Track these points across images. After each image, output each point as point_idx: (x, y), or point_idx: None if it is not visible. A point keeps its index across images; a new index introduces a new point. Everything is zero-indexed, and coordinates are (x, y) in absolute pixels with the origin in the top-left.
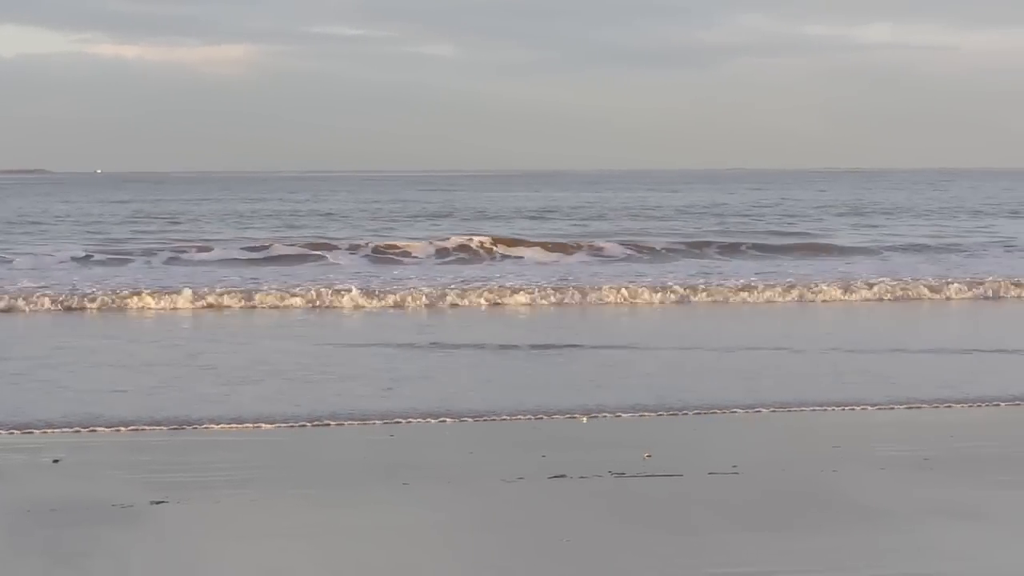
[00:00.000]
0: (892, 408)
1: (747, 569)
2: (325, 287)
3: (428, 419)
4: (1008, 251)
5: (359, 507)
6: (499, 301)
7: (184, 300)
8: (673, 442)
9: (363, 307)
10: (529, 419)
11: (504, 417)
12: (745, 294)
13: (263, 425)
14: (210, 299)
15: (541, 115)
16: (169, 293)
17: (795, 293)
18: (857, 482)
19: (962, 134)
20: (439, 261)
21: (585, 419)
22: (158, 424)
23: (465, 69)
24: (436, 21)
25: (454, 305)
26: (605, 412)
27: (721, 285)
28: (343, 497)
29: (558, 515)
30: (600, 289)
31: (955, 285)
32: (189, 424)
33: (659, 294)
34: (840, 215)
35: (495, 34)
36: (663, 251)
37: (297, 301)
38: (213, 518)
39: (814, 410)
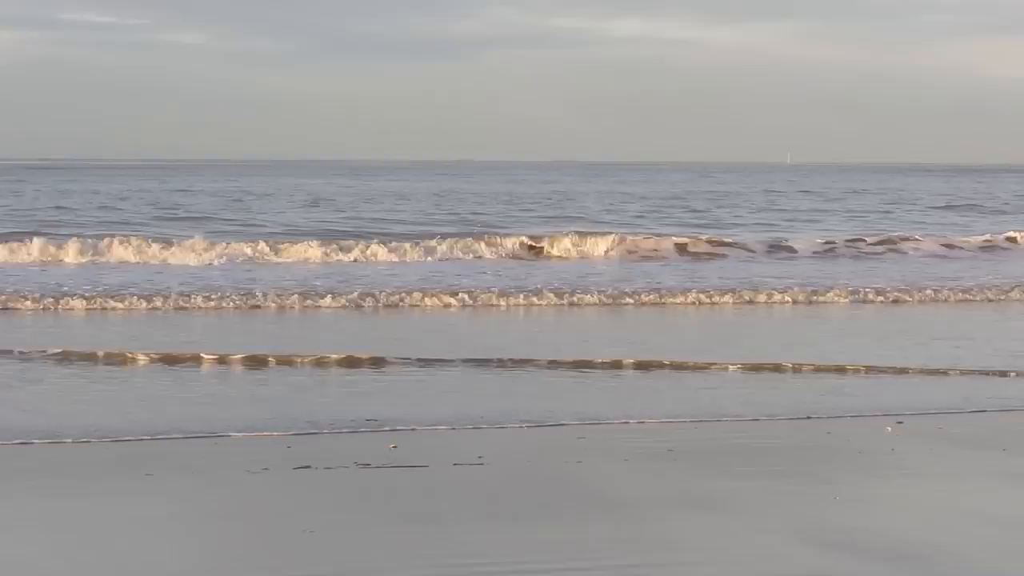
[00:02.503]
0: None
1: (491, 559)
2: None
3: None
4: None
5: (101, 497)
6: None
7: None
8: (419, 434)
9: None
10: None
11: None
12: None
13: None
14: None
15: (296, 104)
16: None
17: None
18: (601, 473)
19: (711, 128)
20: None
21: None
22: None
23: (219, 58)
24: (189, 9)
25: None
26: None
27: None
28: (84, 488)
29: (302, 506)
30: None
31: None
32: None
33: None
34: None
35: (250, 23)
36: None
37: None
38: None
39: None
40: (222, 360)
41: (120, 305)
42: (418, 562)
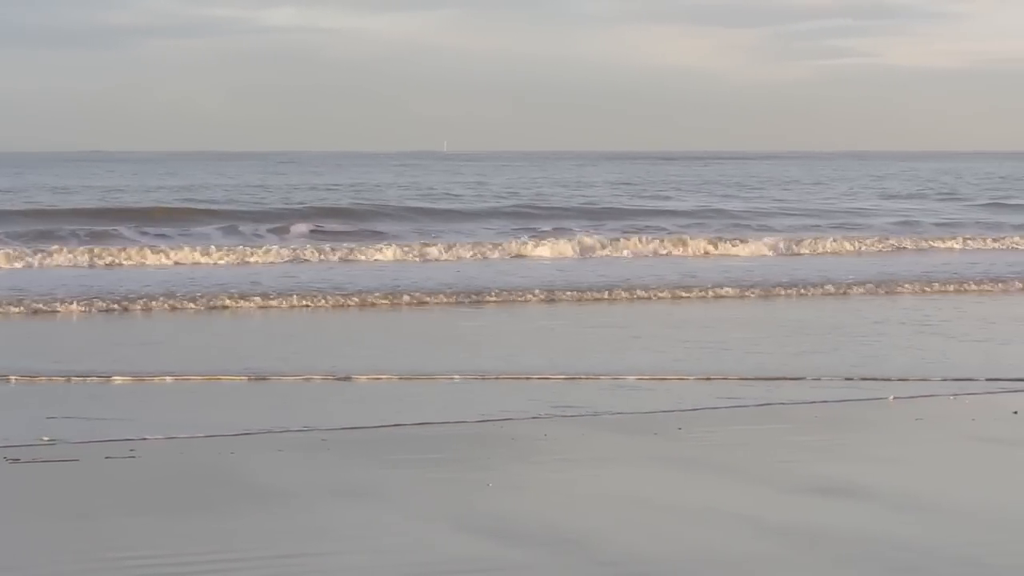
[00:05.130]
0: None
1: (142, 552)
2: None
3: None
4: None
5: None
6: None
7: None
8: (70, 427)
9: None
10: None
11: None
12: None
13: None
14: None
15: None
16: None
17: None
18: (255, 464)
19: (367, 117)
20: None
21: None
22: None
23: None
24: None
25: None
26: None
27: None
28: None
29: None
30: None
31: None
32: None
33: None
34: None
35: None
36: None
37: None
38: None
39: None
40: None
41: None
42: (68, 557)
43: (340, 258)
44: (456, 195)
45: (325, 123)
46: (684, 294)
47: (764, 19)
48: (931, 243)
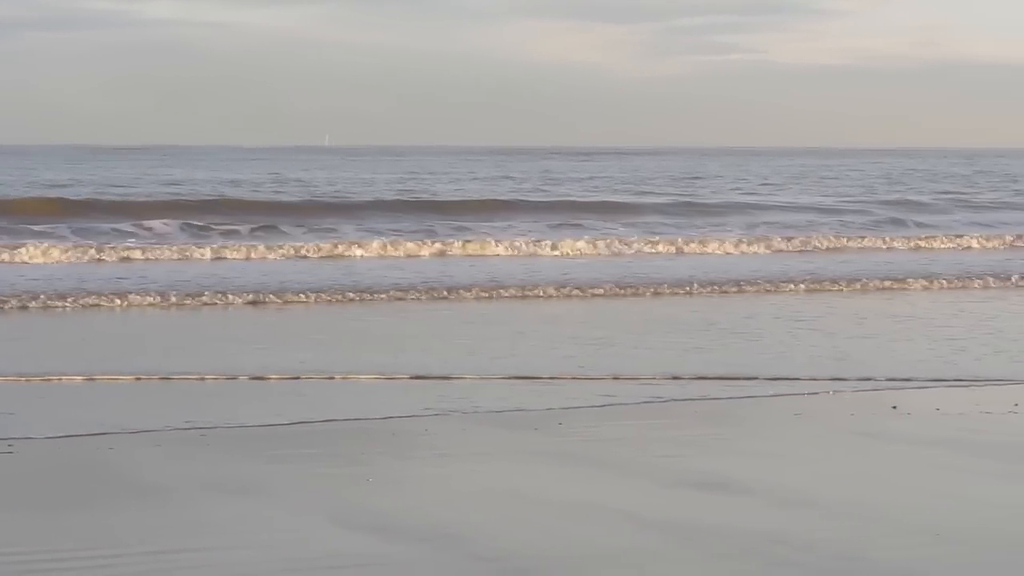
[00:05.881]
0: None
1: (18, 549)
2: None
3: None
4: None
5: None
6: None
7: None
8: None
9: None
10: None
11: None
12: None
13: None
14: None
15: None
16: None
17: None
18: (134, 460)
19: (248, 111)
20: None
21: None
22: None
23: None
24: None
25: None
26: None
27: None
28: None
29: None
30: None
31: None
32: None
33: None
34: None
35: None
36: None
37: None
38: None
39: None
40: None
41: None
42: None
43: (225, 255)
44: (339, 189)
45: (204, 117)
46: (568, 292)
47: (649, 15)
48: (807, 241)
